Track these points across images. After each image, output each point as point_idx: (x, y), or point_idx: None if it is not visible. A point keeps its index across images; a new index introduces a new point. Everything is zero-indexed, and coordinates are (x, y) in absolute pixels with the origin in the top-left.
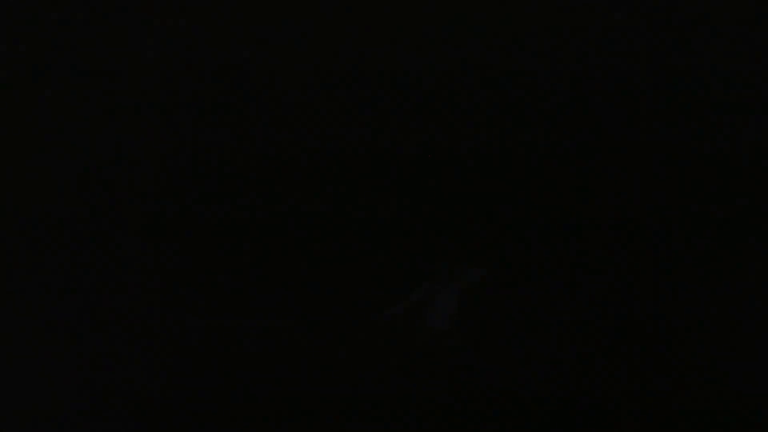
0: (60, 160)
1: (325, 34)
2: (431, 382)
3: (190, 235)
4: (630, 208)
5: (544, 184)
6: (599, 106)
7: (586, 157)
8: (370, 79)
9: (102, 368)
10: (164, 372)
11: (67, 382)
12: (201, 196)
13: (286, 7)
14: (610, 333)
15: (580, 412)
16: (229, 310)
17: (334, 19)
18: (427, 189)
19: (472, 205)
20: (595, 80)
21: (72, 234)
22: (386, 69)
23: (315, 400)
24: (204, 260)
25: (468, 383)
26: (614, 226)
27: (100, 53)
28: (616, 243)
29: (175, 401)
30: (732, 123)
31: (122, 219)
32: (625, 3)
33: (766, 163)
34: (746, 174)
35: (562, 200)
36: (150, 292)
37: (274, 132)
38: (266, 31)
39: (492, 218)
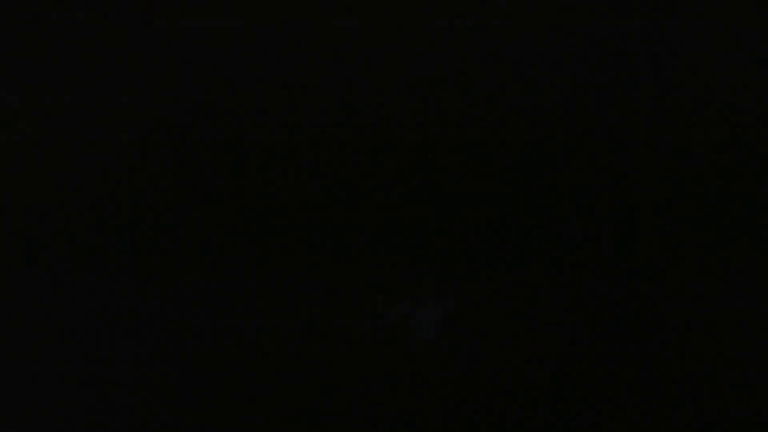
0: (60, 160)
1: (321, 33)
2: (419, 387)
3: (183, 236)
4: (625, 221)
5: (533, 198)
6: (597, 115)
7: (580, 172)
8: (357, 96)
9: (102, 368)
10: (160, 371)
11: (67, 382)
12: (192, 199)
13: (286, 8)
14: (599, 339)
15: (570, 416)
16: (225, 312)
17: (332, 18)
18: (419, 202)
19: (463, 217)
20: (594, 93)
21: (71, 234)
22: (375, 89)
23: (306, 401)
24: (196, 264)
25: (455, 388)
26: (607, 234)
27: (100, 53)
28: (606, 254)
29: (173, 401)
30: (731, 123)
31: (121, 218)
32: (625, 3)
33: (765, 163)
34: (746, 174)
35: (555, 212)
36: (147, 292)
37: (267, 148)
38: (266, 31)
39: (482, 230)
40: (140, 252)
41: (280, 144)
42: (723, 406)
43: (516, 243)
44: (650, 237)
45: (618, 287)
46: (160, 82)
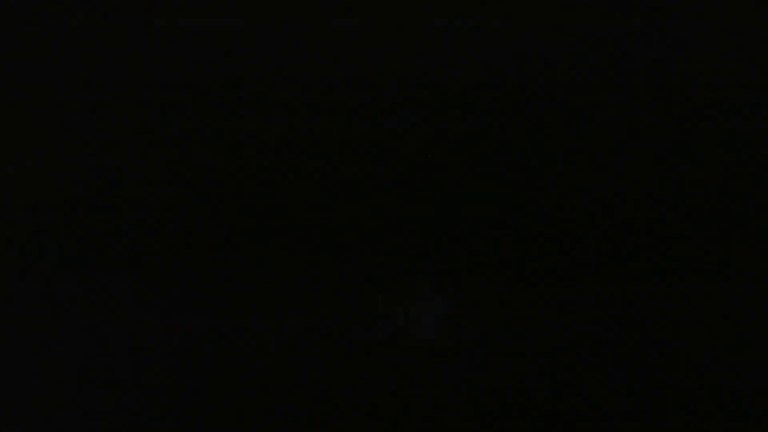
0: (59, 160)
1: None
2: (419, 387)
3: (179, 238)
4: (625, 218)
5: (530, 199)
6: (597, 117)
7: (578, 172)
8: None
9: (102, 368)
10: (159, 372)
11: (67, 382)
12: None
13: (286, 8)
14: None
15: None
16: (224, 313)
17: (332, 19)
18: (414, 201)
19: (460, 216)
20: (593, 101)
21: (72, 234)
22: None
23: (306, 401)
24: (192, 265)
25: (455, 388)
26: (605, 236)
27: (100, 53)
28: (604, 255)
29: (173, 401)
30: (732, 122)
31: (121, 219)
32: (624, 3)
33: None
34: (746, 174)
35: (554, 210)
36: (146, 292)
37: (261, 155)
38: (266, 31)
39: (483, 227)
40: (140, 252)
41: (280, 144)
42: (722, 406)
43: (516, 243)
44: (650, 237)
45: (617, 287)
46: (160, 82)
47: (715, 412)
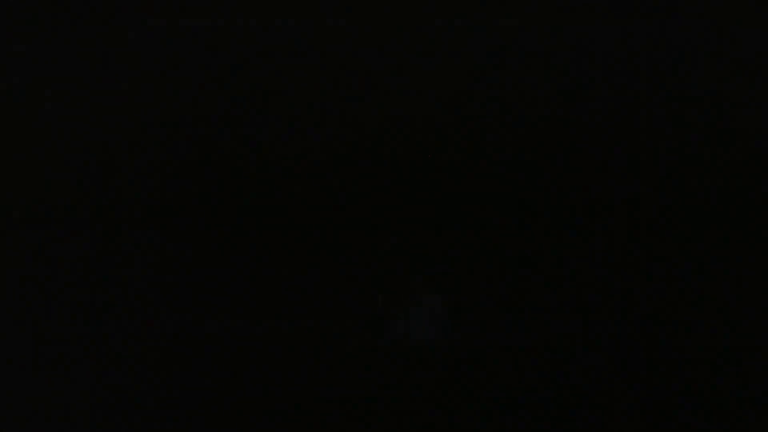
0: (59, 160)
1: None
2: (419, 387)
3: (179, 238)
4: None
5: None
6: (596, 118)
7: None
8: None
9: (102, 368)
10: (163, 372)
11: (67, 382)
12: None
13: (287, 7)
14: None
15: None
16: (224, 313)
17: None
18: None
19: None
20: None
21: (71, 233)
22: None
23: (306, 401)
24: (192, 266)
25: (454, 388)
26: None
27: (100, 53)
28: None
29: (174, 401)
30: (731, 123)
31: (120, 219)
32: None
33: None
34: (746, 174)
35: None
36: (148, 292)
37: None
38: (266, 31)
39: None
40: (139, 251)
41: (280, 144)
42: (722, 406)
43: (515, 243)
44: (650, 237)
45: (617, 287)
46: (160, 82)
47: (715, 412)
